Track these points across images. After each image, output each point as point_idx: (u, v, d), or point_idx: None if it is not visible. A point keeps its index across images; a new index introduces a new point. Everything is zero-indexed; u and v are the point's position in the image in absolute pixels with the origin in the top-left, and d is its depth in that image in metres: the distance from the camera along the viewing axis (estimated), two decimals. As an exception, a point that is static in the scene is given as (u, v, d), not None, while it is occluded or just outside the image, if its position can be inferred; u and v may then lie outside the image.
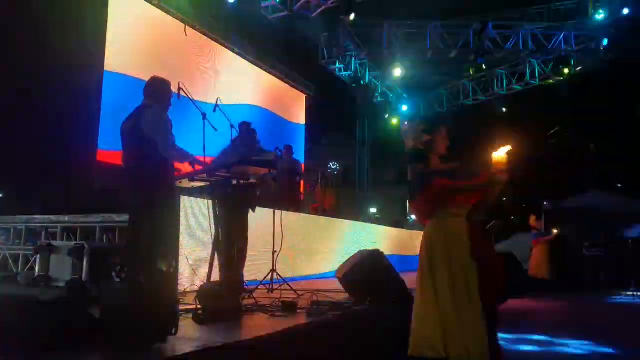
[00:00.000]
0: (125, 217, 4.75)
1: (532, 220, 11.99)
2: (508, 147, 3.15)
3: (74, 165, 6.66)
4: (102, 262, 4.53)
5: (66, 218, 6.13)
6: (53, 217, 6.23)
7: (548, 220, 14.71)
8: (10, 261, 6.29)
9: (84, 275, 4.69)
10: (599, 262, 14.63)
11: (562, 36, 12.22)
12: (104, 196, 5.86)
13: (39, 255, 5.15)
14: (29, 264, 5.96)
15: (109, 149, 7.00)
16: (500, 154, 3.15)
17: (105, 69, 7.41)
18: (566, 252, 15.57)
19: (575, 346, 5.15)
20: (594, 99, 16.27)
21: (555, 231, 12.89)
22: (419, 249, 3.28)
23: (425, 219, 3.28)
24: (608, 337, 5.65)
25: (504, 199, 16.44)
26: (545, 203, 15.54)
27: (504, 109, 13.35)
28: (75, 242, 5.05)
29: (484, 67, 12.86)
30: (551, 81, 13.91)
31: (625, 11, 10.89)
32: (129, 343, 2.54)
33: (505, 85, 14.94)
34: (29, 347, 2.43)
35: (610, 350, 5.03)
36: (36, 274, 5.10)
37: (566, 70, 12.81)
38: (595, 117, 18.88)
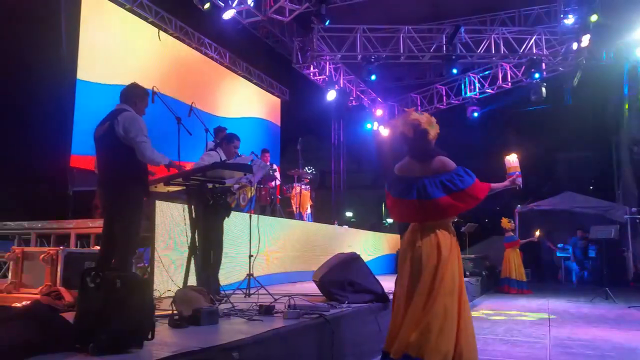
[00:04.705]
0: (99, 223, 4.71)
1: (504, 222, 12.12)
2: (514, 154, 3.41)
3: (47, 171, 6.58)
4: (77, 267, 4.48)
5: (39, 224, 6.03)
6: (26, 224, 6.13)
7: (521, 223, 14.94)
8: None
9: (58, 282, 4.63)
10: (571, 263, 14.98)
11: (532, 40, 12.49)
12: (78, 201, 5.80)
13: (12, 262, 5.06)
14: (2, 271, 5.85)
15: (83, 154, 6.93)
16: (513, 158, 3.39)
17: (78, 77, 7.35)
18: (539, 254, 15.85)
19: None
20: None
21: (537, 233, 13.00)
22: (395, 251, 3.33)
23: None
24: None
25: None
26: (518, 206, 15.71)
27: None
28: (48, 248, 4.98)
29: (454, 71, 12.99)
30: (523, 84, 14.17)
31: (594, 17, 11.09)
32: (105, 349, 2.54)
33: (477, 89, 15.20)
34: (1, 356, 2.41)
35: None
36: (9, 281, 5.01)
37: (537, 75, 13.03)
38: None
